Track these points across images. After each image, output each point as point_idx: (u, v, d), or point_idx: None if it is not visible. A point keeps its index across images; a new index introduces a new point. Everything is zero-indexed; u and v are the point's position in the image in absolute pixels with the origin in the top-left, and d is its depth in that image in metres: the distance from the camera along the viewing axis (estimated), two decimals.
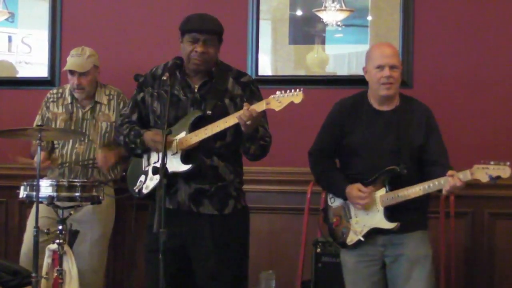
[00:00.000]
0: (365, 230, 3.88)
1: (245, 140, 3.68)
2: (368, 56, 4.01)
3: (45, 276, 4.16)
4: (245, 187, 3.92)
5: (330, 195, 4.06)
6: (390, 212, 3.83)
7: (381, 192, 3.85)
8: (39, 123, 4.82)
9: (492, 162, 3.55)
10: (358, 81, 5.00)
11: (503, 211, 4.85)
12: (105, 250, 4.85)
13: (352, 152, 3.96)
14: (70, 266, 4.17)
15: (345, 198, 3.93)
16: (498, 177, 3.54)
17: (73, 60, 4.80)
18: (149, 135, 3.76)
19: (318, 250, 4.51)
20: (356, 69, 5.10)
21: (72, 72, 4.80)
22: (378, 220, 3.85)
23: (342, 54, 5.16)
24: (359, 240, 3.89)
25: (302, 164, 4.98)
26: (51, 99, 4.93)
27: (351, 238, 3.91)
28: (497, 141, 4.84)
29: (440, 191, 3.74)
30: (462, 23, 4.93)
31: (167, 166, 3.58)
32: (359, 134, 3.95)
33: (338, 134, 3.99)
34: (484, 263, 4.87)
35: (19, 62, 5.50)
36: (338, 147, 4.00)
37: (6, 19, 5.48)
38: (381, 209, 3.84)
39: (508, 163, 3.53)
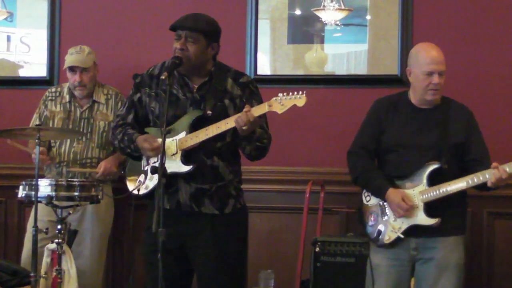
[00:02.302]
0: (404, 227, 3.80)
1: (241, 140, 3.68)
2: (415, 59, 3.89)
3: (44, 275, 4.16)
4: (244, 186, 3.92)
5: (366, 194, 3.98)
6: (430, 210, 3.77)
7: (421, 188, 3.79)
8: (37, 122, 4.82)
9: None
10: (357, 81, 5.03)
11: (503, 211, 4.85)
12: (104, 249, 4.85)
13: (388, 148, 3.91)
14: (69, 265, 4.17)
15: (383, 199, 3.87)
16: None
17: (74, 57, 4.80)
18: (140, 141, 3.74)
19: (317, 249, 4.50)
20: (355, 69, 5.10)
21: (73, 69, 4.80)
22: (418, 216, 3.78)
23: (341, 54, 5.15)
24: (398, 237, 3.82)
25: (301, 163, 5.01)
26: (49, 98, 4.93)
27: (389, 236, 3.84)
28: (497, 139, 4.84)
29: (484, 185, 3.71)
30: (460, 22, 4.93)
31: (167, 166, 3.59)
32: (396, 130, 3.90)
33: (377, 131, 3.94)
34: (484, 262, 4.87)
35: (18, 62, 5.50)
36: (378, 145, 3.95)
37: (5, 19, 5.48)
38: (421, 205, 3.78)
39: None
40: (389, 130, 3.92)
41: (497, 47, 4.90)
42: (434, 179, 3.78)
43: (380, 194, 3.87)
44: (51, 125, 4.84)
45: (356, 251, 4.44)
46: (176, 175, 3.68)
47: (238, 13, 5.12)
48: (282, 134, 4.85)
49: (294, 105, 3.55)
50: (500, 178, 3.62)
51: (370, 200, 3.96)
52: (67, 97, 4.89)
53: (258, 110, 3.57)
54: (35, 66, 5.46)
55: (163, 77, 3.61)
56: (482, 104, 4.89)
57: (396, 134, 3.90)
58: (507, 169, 3.62)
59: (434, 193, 3.76)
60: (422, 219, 3.78)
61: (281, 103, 3.55)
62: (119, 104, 4.84)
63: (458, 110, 3.93)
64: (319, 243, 4.51)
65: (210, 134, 3.64)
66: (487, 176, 3.67)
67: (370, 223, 3.93)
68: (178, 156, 3.69)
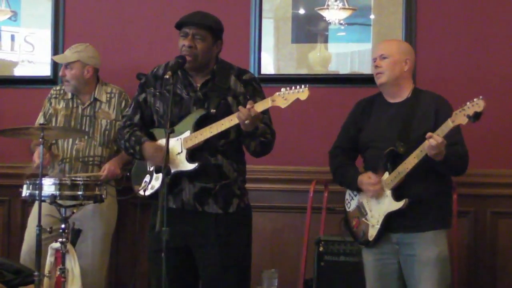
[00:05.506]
0: (381, 219, 3.82)
1: (245, 137, 3.69)
2: None
3: (47, 274, 4.16)
4: (248, 185, 3.93)
5: (347, 200, 4.02)
6: (399, 196, 3.77)
7: (385, 176, 3.81)
8: (41, 120, 4.83)
9: (467, 103, 3.50)
10: (360, 80, 5.02)
11: (506, 210, 4.84)
12: (108, 248, 4.85)
13: (365, 145, 3.95)
14: (73, 264, 4.17)
15: (358, 189, 3.90)
16: (476, 114, 3.48)
17: (63, 53, 4.84)
18: (150, 149, 3.75)
19: (321, 248, 4.51)
20: (358, 68, 5.10)
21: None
22: (388, 204, 3.80)
23: (344, 53, 5.16)
24: (379, 231, 3.83)
25: (305, 163, 5.01)
26: (53, 95, 4.95)
27: (371, 233, 3.86)
28: (498, 138, 4.84)
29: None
30: (464, 21, 4.92)
31: (173, 165, 3.59)
32: (370, 127, 3.94)
33: (353, 132, 4.00)
34: (487, 262, 4.86)
35: (22, 61, 5.51)
36: (357, 145, 3.99)
37: (9, 18, 5.49)
38: (388, 192, 3.79)
39: (481, 97, 3.48)
40: (365, 128, 3.97)
41: (501, 47, 4.89)
42: (396, 165, 3.77)
43: (352, 184, 3.93)
44: (54, 121, 4.86)
45: (360, 250, 4.43)
46: (180, 175, 3.69)
47: (241, 12, 5.12)
48: (285, 133, 4.85)
49: (297, 99, 3.57)
50: (430, 145, 3.56)
51: (351, 206, 3.99)
52: (69, 94, 4.91)
53: (261, 106, 3.58)
54: (39, 65, 5.47)
55: (167, 76, 3.62)
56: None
57: (370, 131, 3.94)
58: (442, 129, 3.56)
59: (395, 176, 3.76)
60: (391, 204, 3.79)
61: (284, 97, 3.57)
62: (123, 103, 4.85)
63: (427, 102, 3.89)
64: (322, 243, 4.52)
65: (214, 131, 3.65)
66: (425, 147, 3.62)
67: (355, 227, 3.96)
68: (183, 155, 3.70)
